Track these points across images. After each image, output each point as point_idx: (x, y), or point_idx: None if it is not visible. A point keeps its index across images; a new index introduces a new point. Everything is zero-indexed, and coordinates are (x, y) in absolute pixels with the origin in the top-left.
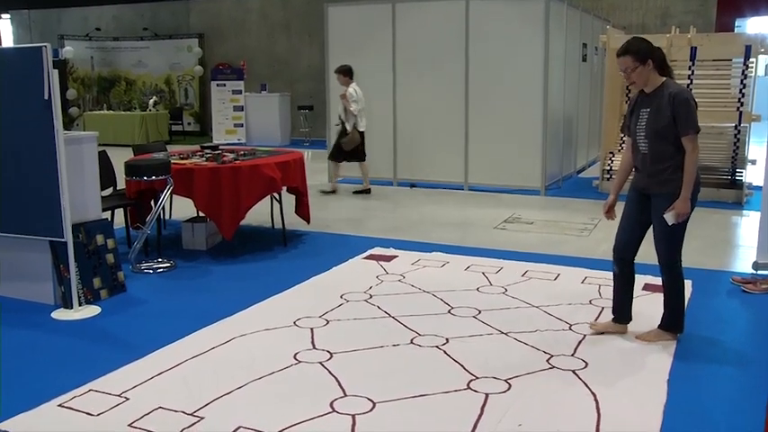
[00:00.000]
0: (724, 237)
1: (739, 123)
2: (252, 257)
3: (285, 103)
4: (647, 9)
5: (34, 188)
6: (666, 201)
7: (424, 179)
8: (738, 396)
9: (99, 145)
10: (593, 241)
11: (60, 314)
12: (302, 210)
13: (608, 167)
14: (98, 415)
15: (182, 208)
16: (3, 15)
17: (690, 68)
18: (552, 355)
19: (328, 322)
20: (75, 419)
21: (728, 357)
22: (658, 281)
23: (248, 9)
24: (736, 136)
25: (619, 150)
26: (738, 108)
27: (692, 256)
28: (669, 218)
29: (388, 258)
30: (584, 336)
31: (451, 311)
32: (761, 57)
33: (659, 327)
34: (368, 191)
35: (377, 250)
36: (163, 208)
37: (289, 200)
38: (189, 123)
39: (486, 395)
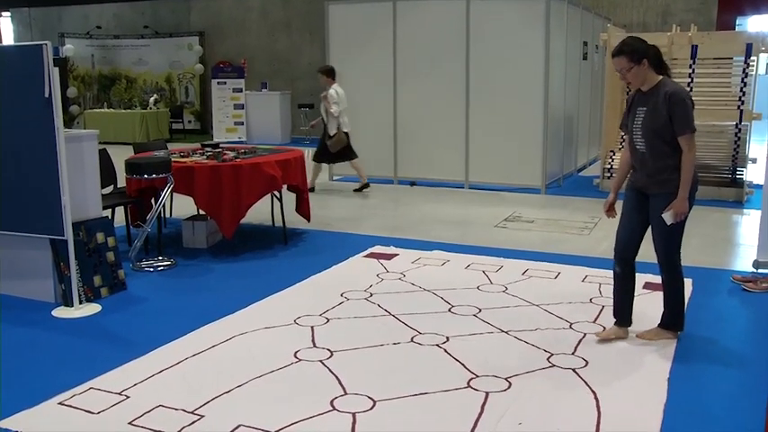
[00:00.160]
0: (724, 235)
1: (740, 122)
2: (252, 256)
3: (286, 101)
4: (648, 7)
5: (35, 186)
6: (665, 200)
7: (425, 177)
8: (739, 395)
9: (99, 143)
10: (593, 240)
11: (61, 312)
12: (303, 208)
13: (608, 166)
14: (98, 413)
15: (182, 206)
16: (3, 13)
17: (690, 67)
18: (552, 354)
19: (329, 320)
20: (76, 417)
21: (729, 356)
22: (658, 279)
23: (249, 7)
24: (736, 134)
25: (619, 149)
26: (739, 106)
27: (692, 254)
28: (668, 217)
29: (389, 257)
30: (585, 334)
31: (452, 310)
32: (762, 55)
33: (659, 325)
34: (367, 185)
35: (377, 248)
36: (163, 206)
37: (289, 198)
38: (189, 121)
39: (487, 394)
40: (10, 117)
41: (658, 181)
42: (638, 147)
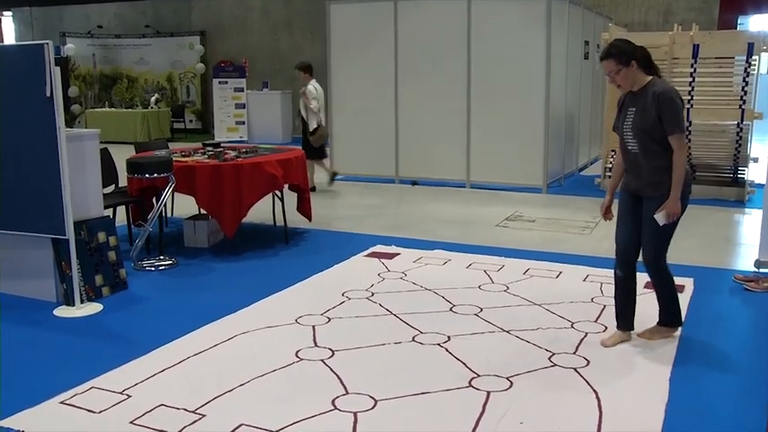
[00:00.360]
0: (726, 235)
1: (741, 121)
2: (254, 255)
3: (287, 100)
4: (650, 6)
5: (36, 185)
6: (658, 203)
7: (426, 177)
8: (740, 395)
9: (101, 142)
10: (594, 239)
11: (62, 311)
12: (304, 207)
13: (610, 165)
14: (100, 412)
15: (183, 205)
16: (5, 13)
17: (692, 66)
18: (554, 353)
19: (330, 320)
20: (77, 417)
21: (730, 356)
22: None
23: (250, 6)
24: (738, 134)
25: None
26: (741, 106)
27: (693, 254)
28: (660, 218)
29: (390, 256)
30: (586, 334)
31: (453, 309)
32: (763, 54)
33: (659, 324)
34: (335, 173)
35: (379, 248)
36: (164, 205)
37: (291, 197)
38: (191, 121)
39: (488, 393)
40: (12, 116)
41: (651, 183)
42: (629, 148)
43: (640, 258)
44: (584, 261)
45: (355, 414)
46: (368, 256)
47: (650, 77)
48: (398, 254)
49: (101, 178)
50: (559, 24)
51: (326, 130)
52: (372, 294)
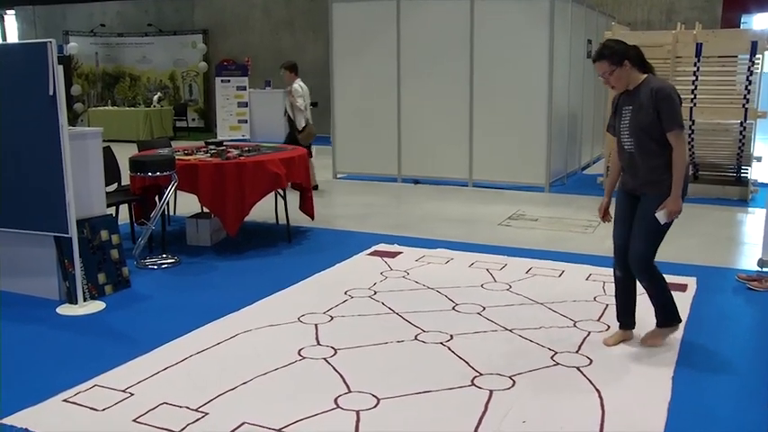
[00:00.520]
0: (729, 234)
1: (745, 120)
2: (256, 253)
3: None
4: (653, 5)
5: (39, 184)
6: (656, 201)
7: (429, 176)
8: (743, 394)
9: (103, 141)
10: (597, 238)
11: (65, 309)
12: (306, 206)
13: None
14: (103, 410)
15: (186, 204)
16: (8, 11)
17: (695, 65)
18: (556, 352)
19: (332, 318)
20: (80, 415)
21: (733, 355)
22: None
23: (252, 5)
24: (741, 133)
25: None
26: (744, 105)
27: (696, 253)
28: (661, 216)
29: (393, 255)
30: (589, 333)
31: (456, 308)
32: (767, 53)
33: (657, 326)
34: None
35: (381, 247)
36: (167, 204)
37: (293, 196)
38: (193, 119)
39: (491, 392)
40: (15, 115)
41: (649, 182)
42: (626, 147)
43: None
44: (587, 260)
45: (358, 412)
46: (370, 254)
47: (645, 75)
48: (401, 252)
49: (103, 176)
50: (562, 23)
51: (314, 128)
52: (375, 293)
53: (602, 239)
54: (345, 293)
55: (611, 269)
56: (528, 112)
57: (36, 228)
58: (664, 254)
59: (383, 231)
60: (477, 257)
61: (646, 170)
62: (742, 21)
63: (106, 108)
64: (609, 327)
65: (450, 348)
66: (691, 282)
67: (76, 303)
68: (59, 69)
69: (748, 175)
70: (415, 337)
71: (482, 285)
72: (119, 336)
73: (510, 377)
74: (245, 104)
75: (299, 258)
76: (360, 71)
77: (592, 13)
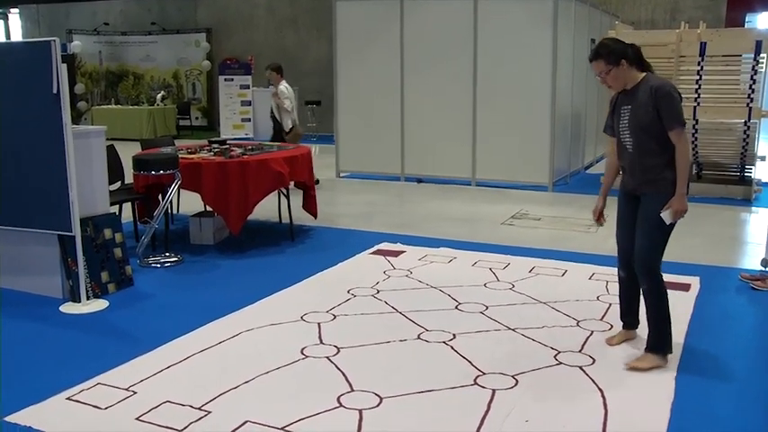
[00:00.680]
0: (732, 233)
1: (749, 119)
2: (259, 252)
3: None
4: (656, 4)
5: (43, 182)
6: (656, 200)
7: (432, 175)
8: (746, 395)
9: (107, 139)
10: (600, 237)
11: (68, 308)
12: (309, 205)
13: None
14: (106, 408)
15: (189, 202)
16: (12, 10)
17: (699, 64)
18: (559, 352)
19: (335, 317)
20: (83, 413)
21: (736, 355)
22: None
23: (255, 4)
24: (745, 132)
25: None
26: (748, 104)
27: (700, 252)
28: (667, 216)
29: (396, 254)
30: (592, 332)
31: (459, 307)
32: None
33: (646, 349)
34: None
35: (384, 245)
36: (170, 202)
37: (296, 195)
38: (196, 118)
39: (493, 391)
40: (18, 113)
41: (649, 181)
42: (626, 147)
43: None
44: (590, 259)
45: (360, 411)
46: (373, 253)
47: (644, 74)
48: (404, 251)
49: (107, 175)
50: (566, 23)
51: (300, 129)
52: (378, 292)
53: (605, 239)
54: (348, 292)
55: (614, 269)
56: (531, 111)
57: (39, 226)
58: (667, 253)
59: (386, 230)
60: (480, 257)
61: (645, 169)
62: (746, 20)
63: (109, 106)
64: (612, 326)
65: (452, 347)
66: (694, 281)
67: (80, 302)
68: (63, 68)
69: (752, 175)
70: (418, 336)
71: (485, 284)
72: (122, 334)
73: (513, 376)
74: (249, 103)
75: (301, 257)
76: (363, 70)
77: (595, 12)
